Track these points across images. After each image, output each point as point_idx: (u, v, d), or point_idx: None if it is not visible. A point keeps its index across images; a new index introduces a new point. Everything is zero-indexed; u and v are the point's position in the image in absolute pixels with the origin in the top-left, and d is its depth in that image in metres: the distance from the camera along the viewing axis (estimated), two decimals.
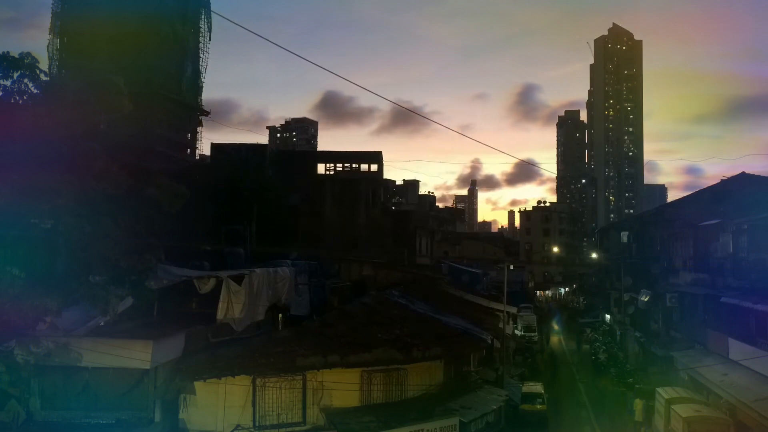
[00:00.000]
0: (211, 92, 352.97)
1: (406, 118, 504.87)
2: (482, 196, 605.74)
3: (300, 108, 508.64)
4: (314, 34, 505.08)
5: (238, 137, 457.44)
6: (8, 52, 13.24)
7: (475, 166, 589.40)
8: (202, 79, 74.68)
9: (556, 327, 61.71)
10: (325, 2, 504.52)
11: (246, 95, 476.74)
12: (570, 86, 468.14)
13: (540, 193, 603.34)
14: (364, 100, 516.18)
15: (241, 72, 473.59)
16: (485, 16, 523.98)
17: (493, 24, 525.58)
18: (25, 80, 13.43)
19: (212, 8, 74.11)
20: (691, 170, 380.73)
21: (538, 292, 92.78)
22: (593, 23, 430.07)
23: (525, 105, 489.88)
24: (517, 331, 46.10)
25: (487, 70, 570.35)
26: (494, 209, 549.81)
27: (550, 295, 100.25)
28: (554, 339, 54.97)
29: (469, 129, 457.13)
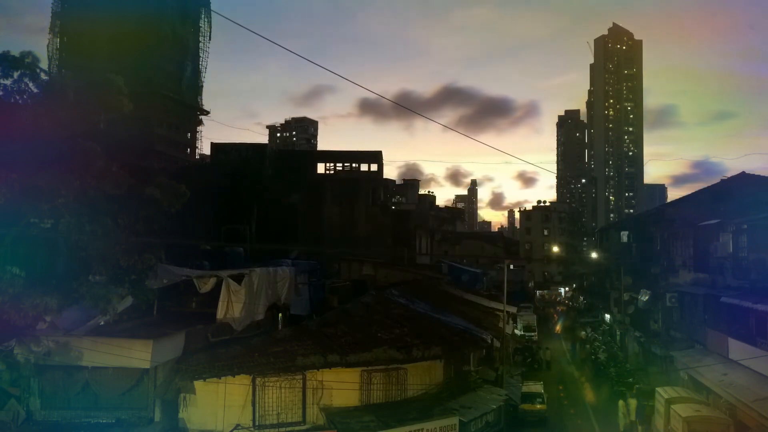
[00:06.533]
0: (213, 93, 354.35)
1: (407, 120, 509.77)
2: (483, 195, 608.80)
3: (303, 109, 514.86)
4: (324, 46, 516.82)
5: (238, 137, 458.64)
6: (8, 52, 13.24)
7: (477, 166, 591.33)
8: (202, 79, 74.78)
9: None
10: (335, 18, 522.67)
11: (249, 98, 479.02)
12: (570, 89, 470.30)
13: (540, 193, 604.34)
14: (366, 104, 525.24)
15: (246, 75, 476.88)
16: (487, 29, 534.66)
17: (495, 36, 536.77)
18: (25, 80, 13.41)
19: (212, 8, 74.04)
20: (691, 170, 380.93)
21: (538, 291, 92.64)
22: (593, 23, 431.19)
23: (527, 108, 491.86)
24: (517, 331, 46.07)
25: (489, 77, 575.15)
26: (494, 209, 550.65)
27: (548, 293, 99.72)
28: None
29: (471, 131, 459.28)
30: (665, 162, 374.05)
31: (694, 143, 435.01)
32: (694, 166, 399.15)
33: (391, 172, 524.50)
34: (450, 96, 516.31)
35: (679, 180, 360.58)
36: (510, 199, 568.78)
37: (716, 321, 25.52)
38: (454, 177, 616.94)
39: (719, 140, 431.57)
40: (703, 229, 29.28)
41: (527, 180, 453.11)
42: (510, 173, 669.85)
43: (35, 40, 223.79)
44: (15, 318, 12.59)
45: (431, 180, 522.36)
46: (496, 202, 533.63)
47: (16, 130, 12.83)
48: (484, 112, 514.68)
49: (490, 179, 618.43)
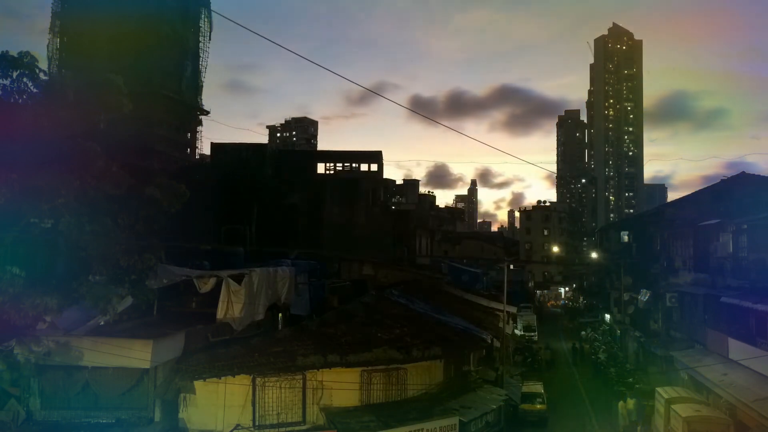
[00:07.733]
0: (213, 93, 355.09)
1: (408, 121, 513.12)
2: (483, 196, 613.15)
3: (304, 110, 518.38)
4: (327, 49, 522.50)
5: (238, 137, 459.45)
6: (7, 51, 13.23)
7: (477, 166, 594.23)
8: (202, 79, 74.73)
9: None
10: (339, 21, 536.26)
11: (251, 99, 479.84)
12: (571, 89, 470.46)
13: (540, 193, 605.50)
14: (369, 108, 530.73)
15: (247, 76, 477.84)
16: (488, 32, 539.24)
17: (496, 39, 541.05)
18: (24, 79, 13.40)
19: (213, 8, 73.96)
20: (691, 170, 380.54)
21: (538, 291, 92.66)
22: (593, 24, 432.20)
23: (528, 109, 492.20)
24: (517, 331, 46.10)
25: (490, 79, 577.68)
26: (495, 209, 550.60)
27: (547, 293, 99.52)
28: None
29: (472, 132, 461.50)
30: (665, 162, 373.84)
31: (693, 143, 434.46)
32: (694, 167, 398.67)
33: (419, 172, 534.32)
34: (501, 96, 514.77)
35: (679, 180, 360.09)
36: (531, 199, 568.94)
37: (716, 321, 25.52)
38: (484, 177, 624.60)
39: (719, 140, 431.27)
40: (703, 229, 29.28)
41: (554, 181, 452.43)
42: (540, 174, 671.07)
43: (36, 40, 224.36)
44: (15, 318, 12.58)
45: (459, 180, 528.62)
46: (517, 201, 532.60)
47: (16, 130, 12.83)
48: (484, 114, 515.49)
49: (520, 179, 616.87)
